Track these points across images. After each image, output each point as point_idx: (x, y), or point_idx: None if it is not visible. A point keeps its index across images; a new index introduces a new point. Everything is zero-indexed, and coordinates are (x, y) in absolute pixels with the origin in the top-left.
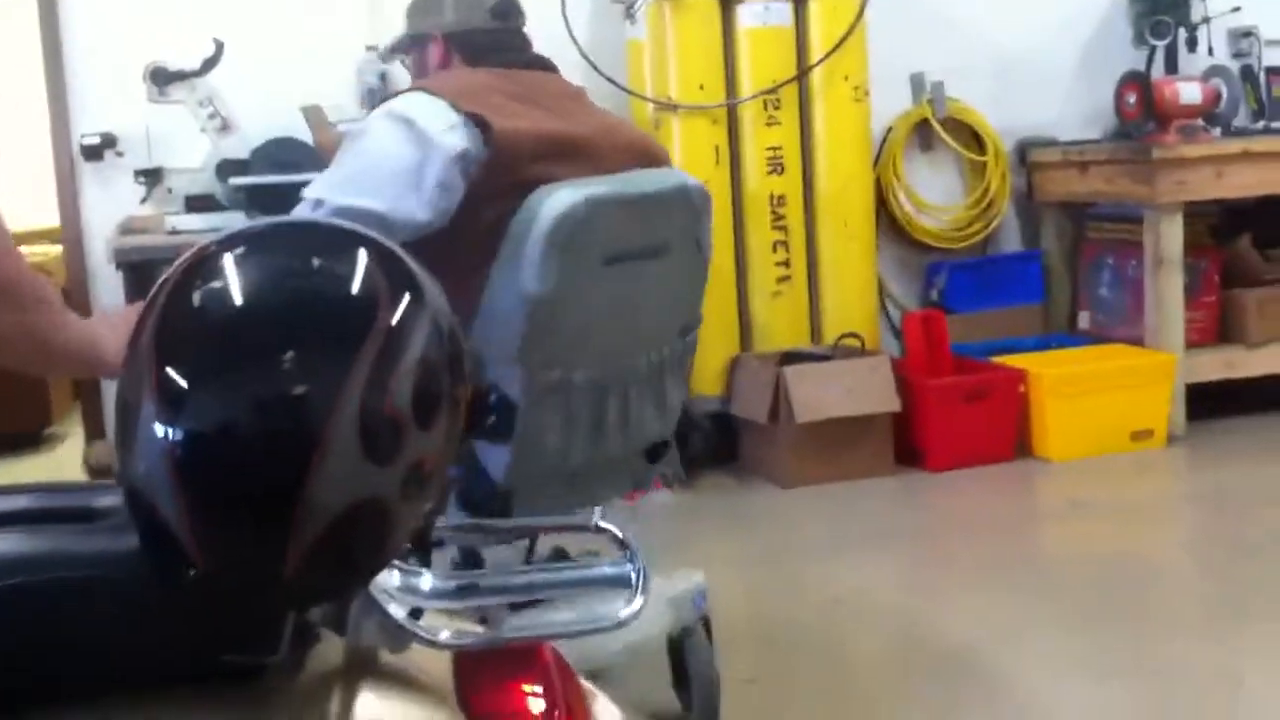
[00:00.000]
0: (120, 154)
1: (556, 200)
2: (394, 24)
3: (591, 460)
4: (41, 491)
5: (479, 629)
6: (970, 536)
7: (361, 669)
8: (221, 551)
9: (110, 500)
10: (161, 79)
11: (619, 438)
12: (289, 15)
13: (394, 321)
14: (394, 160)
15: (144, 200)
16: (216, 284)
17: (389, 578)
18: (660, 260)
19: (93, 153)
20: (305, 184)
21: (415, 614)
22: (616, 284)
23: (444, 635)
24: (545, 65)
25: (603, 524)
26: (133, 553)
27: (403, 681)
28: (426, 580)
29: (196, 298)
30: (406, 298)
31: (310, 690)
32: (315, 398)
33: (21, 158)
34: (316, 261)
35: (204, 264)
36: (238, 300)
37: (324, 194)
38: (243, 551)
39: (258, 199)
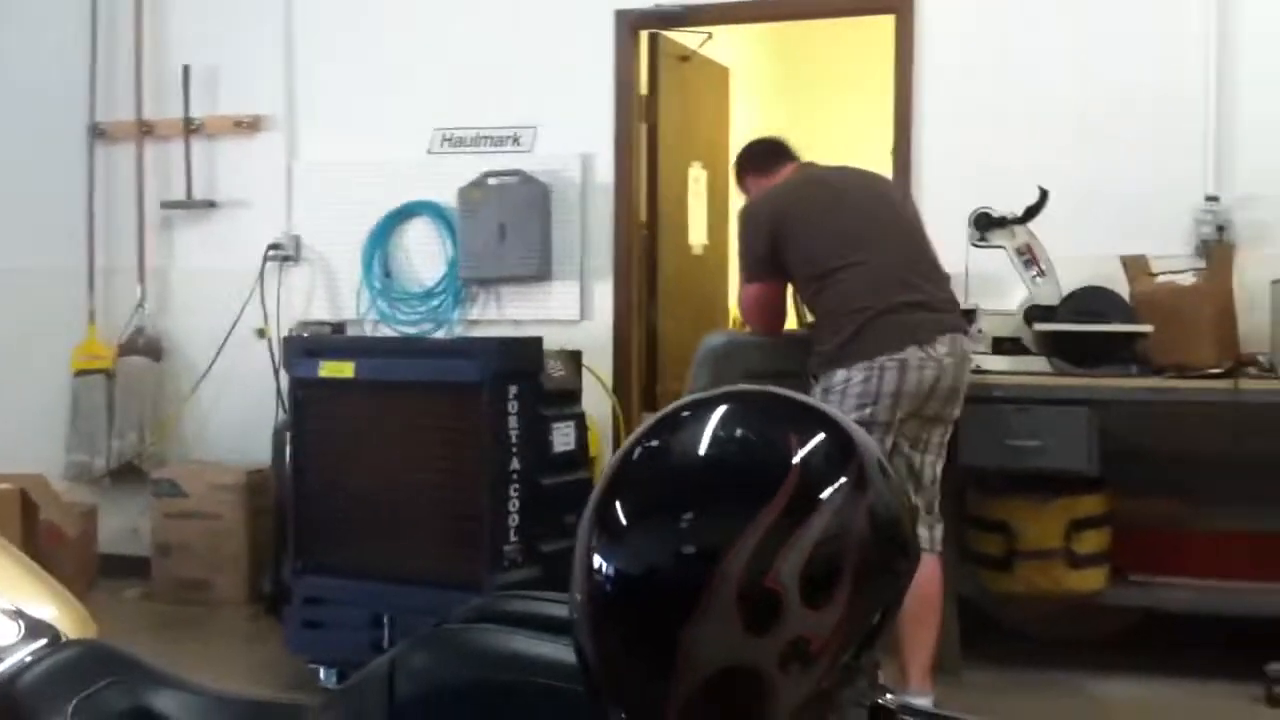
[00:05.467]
0: None
1: None
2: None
3: None
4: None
5: None
6: None
7: None
8: (614, 686)
9: None
10: (984, 224)
11: None
12: (1117, 165)
13: (793, 501)
14: None
15: None
16: (663, 439)
17: None
18: None
19: None
20: (1109, 335)
21: None
22: None
23: None
24: None
25: None
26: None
27: None
28: None
29: (645, 449)
30: (836, 481)
31: None
32: (698, 559)
33: None
34: (744, 431)
35: (669, 419)
36: (666, 458)
37: None
38: (630, 690)
39: (1061, 346)
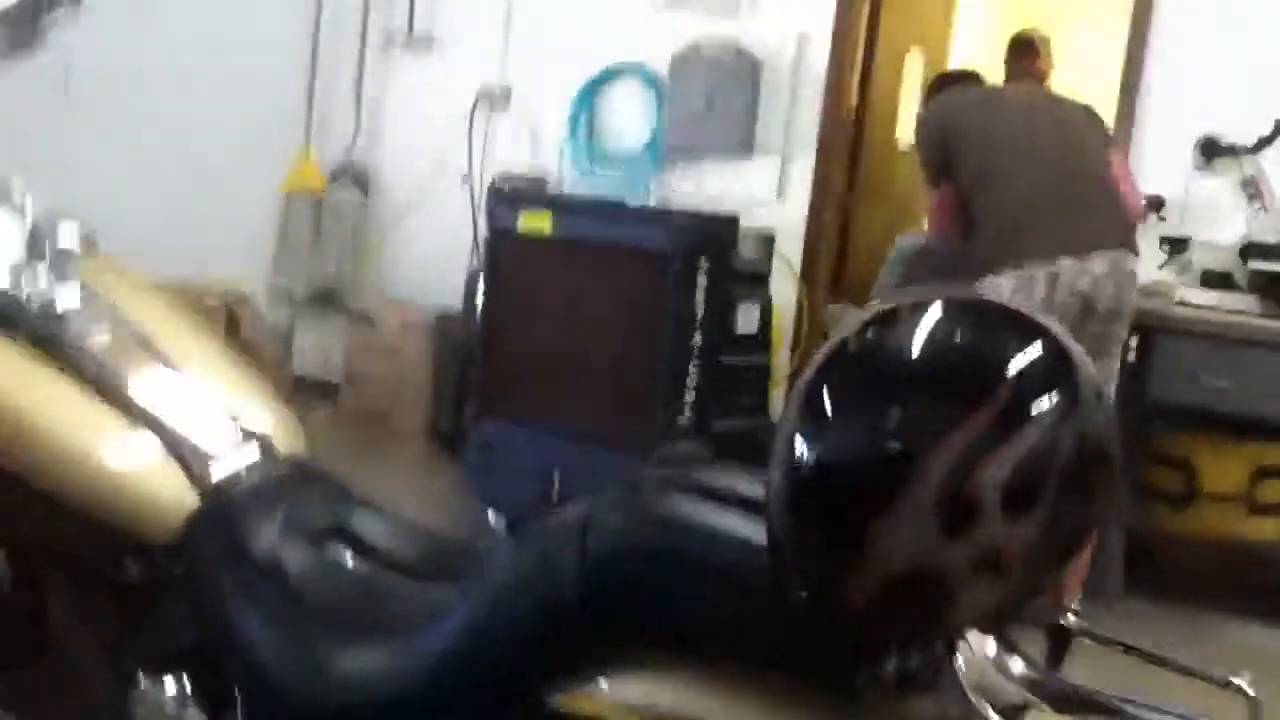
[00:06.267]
0: (1162, 218)
1: None
2: None
3: None
4: None
5: None
6: None
7: None
8: (801, 570)
9: None
10: (1210, 151)
11: None
12: None
13: (1005, 411)
14: None
15: (1162, 265)
16: (880, 333)
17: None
18: None
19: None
20: None
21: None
22: None
23: None
24: None
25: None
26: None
27: None
28: (1016, 665)
29: (862, 340)
30: (1046, 398)
31: None
32: (902, 455)
33: None
34: (963, 335)
35: (887, 315)
36: (881, 352)
37: None
38: (816, 575)
39: (1276, 286)
